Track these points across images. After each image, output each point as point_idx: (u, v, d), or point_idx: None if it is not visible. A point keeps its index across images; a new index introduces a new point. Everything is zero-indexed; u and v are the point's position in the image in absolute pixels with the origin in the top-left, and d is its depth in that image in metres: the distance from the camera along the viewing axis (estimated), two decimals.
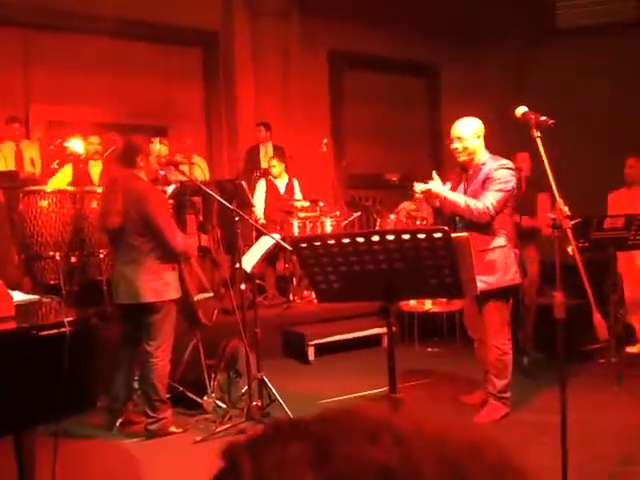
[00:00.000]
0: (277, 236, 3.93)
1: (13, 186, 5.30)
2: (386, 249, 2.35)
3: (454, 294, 2.63)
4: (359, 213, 6.29)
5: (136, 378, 3.75)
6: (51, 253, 4.62)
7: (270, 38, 8.02)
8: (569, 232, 2.72)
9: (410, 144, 9.14)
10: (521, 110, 2.95)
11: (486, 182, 3.54)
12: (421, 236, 2.27)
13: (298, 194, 6.29)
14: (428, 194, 3.55)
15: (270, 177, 6.31)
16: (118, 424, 3.64)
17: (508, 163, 3.60)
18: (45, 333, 2.37)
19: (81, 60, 6.98)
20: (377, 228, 6.09)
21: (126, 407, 3.68)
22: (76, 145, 5.82)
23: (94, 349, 3.35)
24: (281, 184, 6.32)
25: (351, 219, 6.21)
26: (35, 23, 6.82)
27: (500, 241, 3.57)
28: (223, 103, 8.01)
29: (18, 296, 2.60)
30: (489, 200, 3.47)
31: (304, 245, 2.52)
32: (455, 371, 4.67)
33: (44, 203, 4.81)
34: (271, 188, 6.28)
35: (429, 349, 5.40)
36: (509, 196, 3.57)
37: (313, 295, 5.88)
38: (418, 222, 5.90)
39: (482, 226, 3.51)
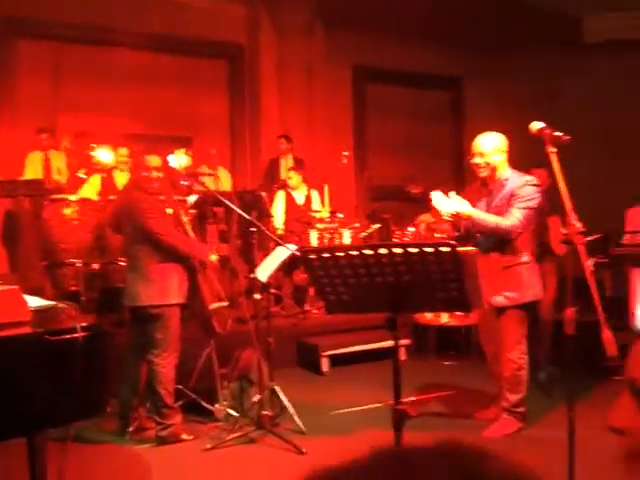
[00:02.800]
0: (293, 247, 3.96)
1: (38, 194, 5.45)
2: (394, 262, 2.36)
3: (460, 307, 2.63)
4: (378, 225, 6.29)
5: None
6: (73, 260, 4.73)
7: (294, 52, 8.12)
8: (581, 248, 2.70)
9: (433, 158, 9.12)
10: (536, 125, 2.94)
11: (512, 199, 3.54)
12: (429, 250, 2.28)
13: (317, 205, 6.33)
14: (457, 217, 3.56)
15: (288, 189, 6.37)
16: (131, 430, 3.69)
17: (533, 180, 3.59)
18: (58, 338, 2.44)
19: (109, 72, 7.17)
20: (396, 240, 6.08)
21: (138, 413, 3.73)
22: (103, 155, 5.95)
23: (106, 355, 3.42)
24: (299, 196, 6.38)
25: (370, 231, 6.21)
26: (65, 36, 7.03)
27: (524, 257, 3.58)
28: (247, 115, 8.12)
29: (34, 301, 2.67)
30: (516, 217, 3.48)
31: (313, 257, 2.55)
32: (471, 385, 4.62)
33: (68, 211, 4.95)
34: (289, 199, 6.35)
35: (445, 362, 5.36)
36: (535, 213, 3.57)
37: None
38: (437, 235, 5.88)
39: (507, 243, 3.52)
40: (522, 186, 3.55)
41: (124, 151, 5.89)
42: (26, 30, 6.85)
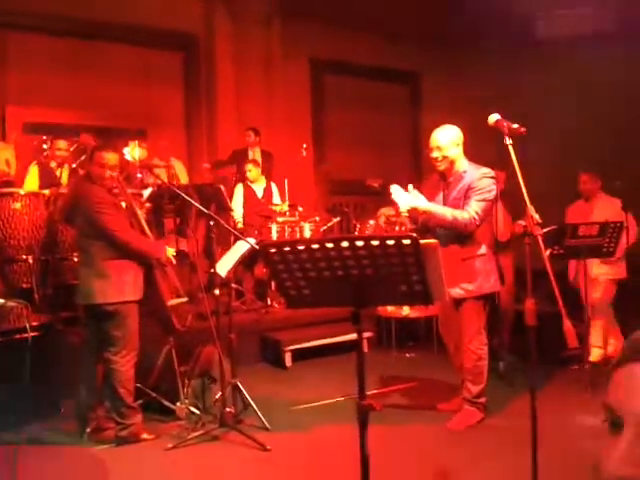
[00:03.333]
0: (252, 240, 3.90)
1: None
2: (356, 255, 2.33)
3: (423, 301, 2.60)
4: (338, 219, 6.28)
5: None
6: (24, 256, 4.55)
7: (251, 43, 8.01)
8: (540, 239, 2.74)
9: (391, 151, 9.17)
10: (494, 118, 2.96)
11: (469, 191, 3.56)
12: (390, 242, 2.26)
13: (277, 199, 6.27)
14: (414, 211, 3.55)
15: (247, 182, 6.29)
16: (89, 430, 3.57)
17: (490, 172, 3.62)
18: (8, 338, 2.33)
19: (59, 62, 6.92)
20: (356, 234, 6.08)
21: (95, 413, 3.60)
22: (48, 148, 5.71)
23: (58, 355, 3.29)
24: (258, 189, 6.30)
25: (330, 224, 6.20)
26: (10, 23, 6.72)
27: (482, 249, 3.61)
28: (203, 107, 7.97)
29: None
30: (474, 209, 3.50)
31: (273, 250, 2.49)
32: (432, 377, 4.67)
33: (17, 205, 4.74)
34: (248, 193, 6.26)
35: (407, 355, 5.39)
36: (491, 205, 3.60)
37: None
38: (397, 227, 5.91)
39: (464, 235, 3.54)
40: (479, 178, 3.58)
41: (63, 144, 5.66)
42: None
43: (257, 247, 3.84)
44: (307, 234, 5.77)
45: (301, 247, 2.44)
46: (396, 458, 3.22)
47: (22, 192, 4.98)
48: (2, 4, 6.53)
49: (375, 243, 2.29)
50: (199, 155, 7.76)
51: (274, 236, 5.57)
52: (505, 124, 2.90)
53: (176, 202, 5.62)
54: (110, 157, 3.51)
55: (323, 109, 8.84)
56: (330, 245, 2.35)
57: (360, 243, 2.32)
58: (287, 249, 2.46)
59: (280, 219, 5.75)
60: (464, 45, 8.42)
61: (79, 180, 3.62)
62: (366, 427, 2.33)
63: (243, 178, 6.42)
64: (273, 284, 5.81)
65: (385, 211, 6.22)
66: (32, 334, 2.31)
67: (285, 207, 5.93)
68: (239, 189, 6.30)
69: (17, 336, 2.32)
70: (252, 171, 6.20)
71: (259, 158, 6.75)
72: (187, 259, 5.60)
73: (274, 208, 5.89)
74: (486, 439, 3.50)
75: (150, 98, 7.57)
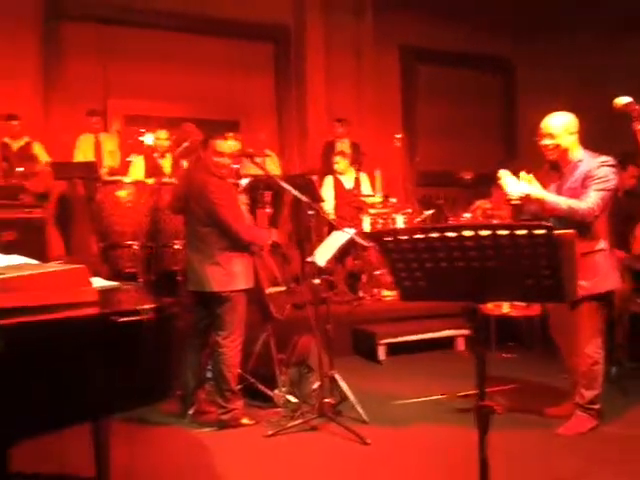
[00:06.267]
0: (352, 231, 3.83)
1: (91, 177, 5.44)
2: (479, 245, 2.19)
3: (553, 297, 2.42)
4: (432, 211, 6.10)
5: (208, 367, 3.74)
6: (129, 242, 4.71)
7: (342, 33, 7.95)
8: None
9: (484, 141, 8.84)
10: (623, 100, 2.73)
11: (586, 180, 3.30)
12: (521, 232, 2.10)
13: (367, 190, 6.18)
14: (527, 199, 3.34)
15: (336, 174, 6.25)
16: (191, 413, 3.65)
17: (609, 160, 3.34)
18: (126, 319, 2.35)
19: (156, 55, 7.12)
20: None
21: (197, 396, 3.69)
22: (148, 139, 5.91)
23: (172, 338, 3.36)
24: (347, 180, 6.25)
25: (424, 217, 6.03)
26: (111, 19, 6.98)
27: (601, 244, 3.36)
28: (294, 98, 7.99)
29: (99, 282, 2.60)
30: (592, 200, 3.24)
31: (389, 239, 2.39)
32: (534, 379, 4.43)
33: (122, 194, 4.92)
34: (338, 184, 6.23)
35: (504, 355, 5.16)
36: (611, 195, 3.33)
37: (384, 293, 5.76)
38: (495, 221, 5.66)
39: (583, 228, 3.27)
40: (597, 167, 3.31)
41: (164, 134, 5.82)
42: (70, 12, 6.81)
43: (358, 238, 3.78)
44: (400, 226, 5.64)
45: (419, 236, 2.33)
46: (506, 463, 3.05)
47: (127, 180, 5.17)
48: (104, 2, 6.80)
49: (503, 233, 2.14)
50: (290, 146, 7.79)
51: (366, 228, 5.48)
52: (637, 107, 2.66)
53: (270, 192, 5.66)
54: (226, 145, 3.58)
55: (414, 99, 8.64)
56: (452, 234, 2.23)
57: (485, 232, 2.18)
58: (404, 237, 2.36)
59: (372, 211, 5.65)
60: (559, 29, 7.97)
61: (193, 169, 3.68)
62: (487, 431, 2.19)
63: (332, 170, 6.38)
64: (364, 277, 5.74)
65: (481, 204, 5.98)
66: (147, 317, 2.32)
67: (378, 198, 5.83)
68: (329, 181, 6.26)
69: (134, 318, 2.33)
70: (340, 163, 6.17)
71: (348, 150, 6.68)
72: (279, 249, 5.62)
73: (366, 200, 5.80)
74: (600, 448, 3.26)
75: (242, 90, 7.67)
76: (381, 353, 5.00)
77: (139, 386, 2.44)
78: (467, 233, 2.22)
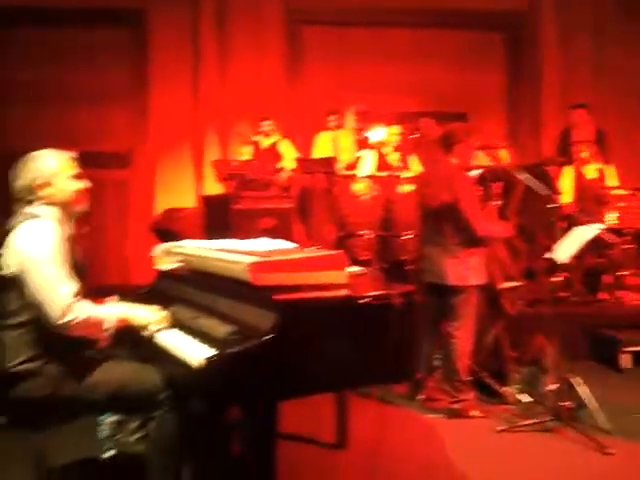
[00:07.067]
0: (599, 226, 3.58)
1: (330, 171, 5.88)
2: None
3: None
4: None
5: (437, 356, 3.84)
6: (362, 232, 5.02)
7: (581, 14, 7.38)
8: None
9: None
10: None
11: None
12: None
13: (613, 182, 5.68)
14: None
15: (578, 163, 5.84)
16: (420, 398, 3.79)
17: None
18: (377, 302, 2.55)
19: (387, 52, 7.39)
20: None
21: (427, 382, 3.80)
22: (376, 134, 6.14)
23: (414, 323, 3.55)
24: (590, 171, 5.80)
25: None
26: (347, 21, 7.41)
27: None
28: (527, 87, 7.65)
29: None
30: None
31: None
32: None
33: (357, 187, 5.25)
34: (578, 175, 5.82)
35: None
36: None
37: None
38: None
39: None
40: None
41: (396, 129, 5.98)
42: (311, 17, 7.39)
43: (606, 235, 3.54)
44: None
45: None
46: None
47: (360, 175, 5.50)
48: (338, 3, 7.25)
49: None
50: (521, 136, 7.49)
51: (612, 224, 5.05)
52: None
53: (500, 184, 5.52)
54: (475, 142, 3.64)
55: None
56: None
57: None
58: None
59: (621, 204, 5.18)
60: None
61: (437, 163, 3.79)
62: None
63: (569, 160, 5.98)
64: (606, 277, 5.29)
65: None
66: (397, 301, 2.48)
67: (624, 191, 5.31)
68: (568, 172, 5.90)
69: (382, 302, 2.51)
70: (583, 152, 5.74)
71: (590, 137, 6.18)
72: (511, 243, 5.48)
73: (611, 192, 5.34)
74: None
75: (470, 81, 7.57)
76: (625, 361, 4.59)
77: (383, 365, 2.62)
78: None
